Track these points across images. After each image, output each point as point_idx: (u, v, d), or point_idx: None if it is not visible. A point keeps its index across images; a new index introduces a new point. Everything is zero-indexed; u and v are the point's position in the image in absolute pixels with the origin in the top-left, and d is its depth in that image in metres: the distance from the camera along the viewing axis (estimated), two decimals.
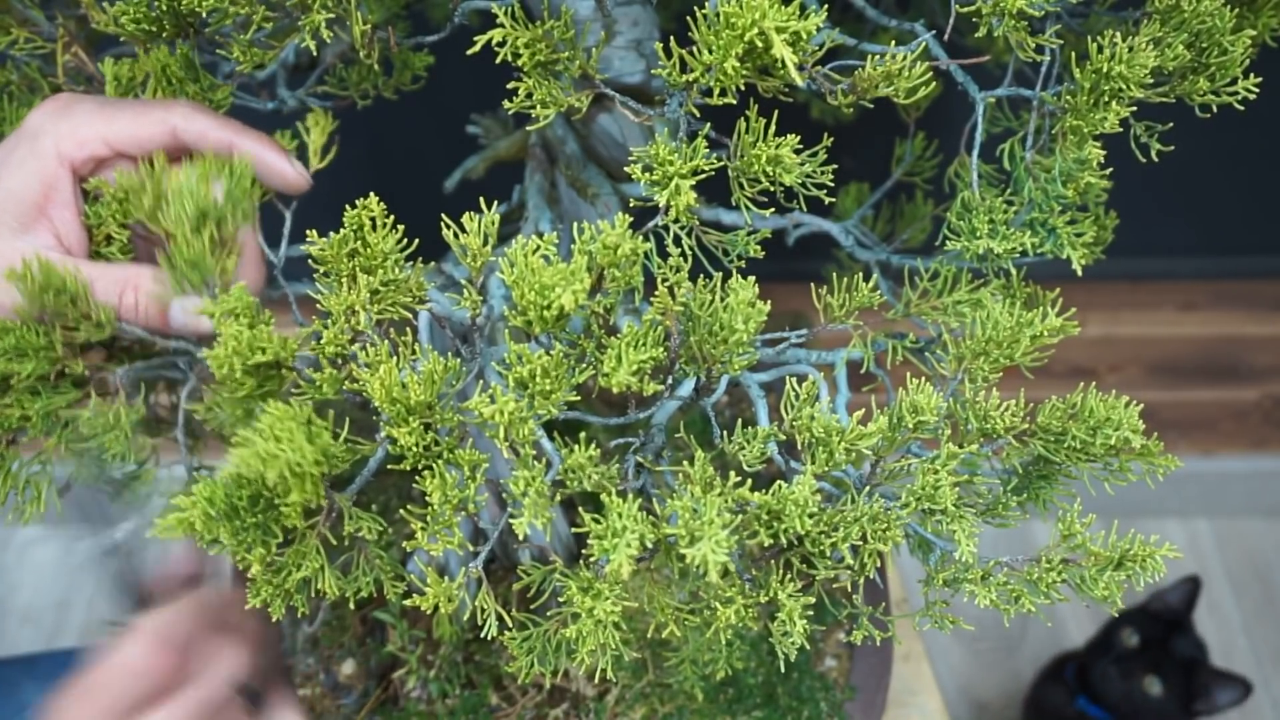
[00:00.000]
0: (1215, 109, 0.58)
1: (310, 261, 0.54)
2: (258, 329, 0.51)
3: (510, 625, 0.57)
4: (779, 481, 0.51)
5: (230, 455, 0.47)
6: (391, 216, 0.53)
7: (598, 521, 0.48)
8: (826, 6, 0.53)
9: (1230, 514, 1.86)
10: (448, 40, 0.62)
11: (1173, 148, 0.60)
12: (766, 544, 0.52)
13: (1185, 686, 1.36)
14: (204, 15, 0.54)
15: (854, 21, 0.78)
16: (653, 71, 0.65)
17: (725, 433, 0.56)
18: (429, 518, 0.51)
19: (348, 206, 0.53)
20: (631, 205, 0.58)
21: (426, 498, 0.51)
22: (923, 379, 0.55)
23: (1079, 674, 1.43)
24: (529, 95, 0.55)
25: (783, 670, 0.82)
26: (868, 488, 0.55)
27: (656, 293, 0.51)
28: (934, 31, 0.58)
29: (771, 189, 0.55)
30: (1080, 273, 0.59)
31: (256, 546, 0.50)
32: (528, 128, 0.67)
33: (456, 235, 0.53)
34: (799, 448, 0.54)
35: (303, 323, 0.55)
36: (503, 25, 0.53)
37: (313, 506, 0.49)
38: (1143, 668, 1.36)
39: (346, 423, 0.52)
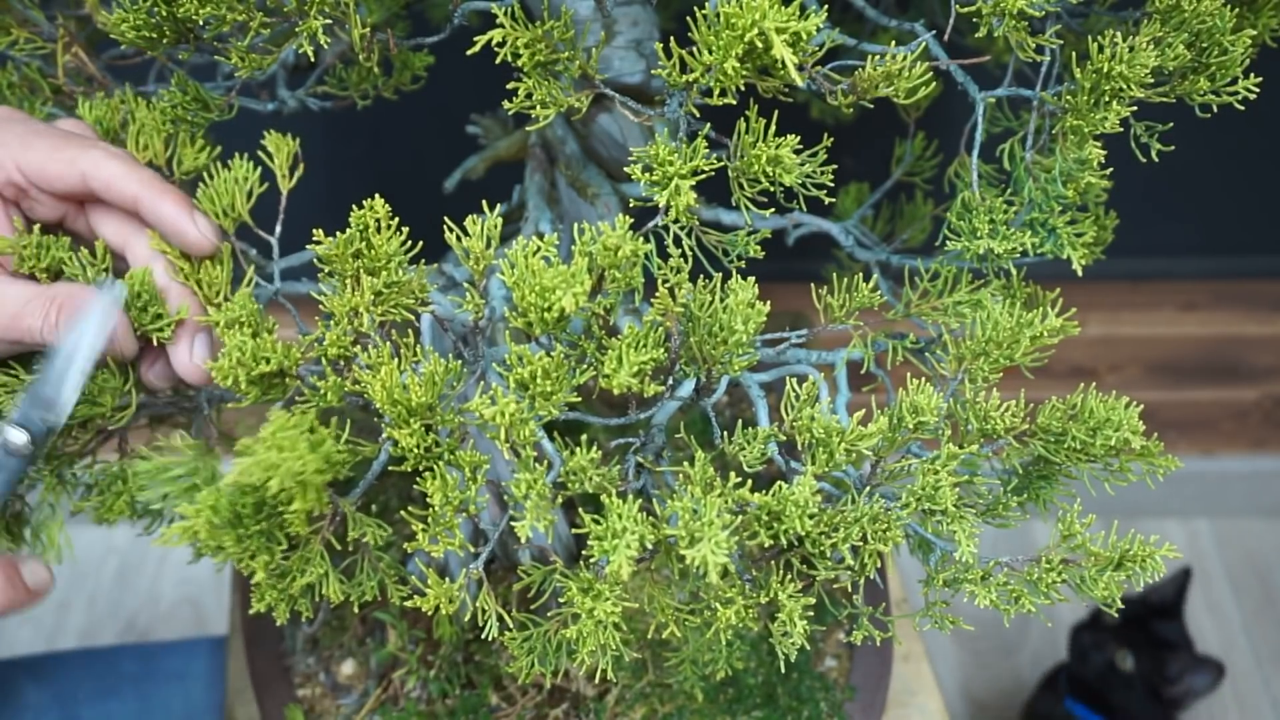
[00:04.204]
0: (1215, 109, 0.58)
1: (316, 261, 0.54)
2: (261, 338, 0.51)
3: (510, 626, 0.56)
4: (779, 482, 0.51)
5: (233, 463, 0.47)
6: (395, 218, 0.53)
7: (598, 522, 0.48)
8: (826, 6, 0.53)
9: (1230, 514, 1.86)
10: (448, 40, 0.62)
11: (1173, 148, 0.60)
12: (766, 544, 0.52)
13: (1158, 667, 1.36)
14: (200, 22, 0.54)
15: (854, 21, 0.78)
16: (653, 71, 0.65)
17: (725, 433, 0.56)
18: (430, 519, 0.51)
19: (353, 207, 0.53)
20: (631, 205, 0.58)
21: (427, 499, 0.51)
22: (923, 379, 0.55)
23: (1070, 677, 1.43)
24: (529, 95, 0.55)
25: (783, 670, 0.82)
26: (868, 488, 0.55)
27: (657, 294, 0.51)
28: (934, 31, 0.58)
29: (771, 189, 0.55)
30: (1080, 273, 0.59)
31: (261, 554, 0.50)
32: (528, 128, 0.67)
33: (459, 238, 0.53)
34: (799, 448, 0.54)
35: (305, 330, 0.55)
36: (502, 25, 0.53)
37: (316, 514, 0.49)
38: (1117, 642, 1.38)
39: (349, 425, 0.52)
